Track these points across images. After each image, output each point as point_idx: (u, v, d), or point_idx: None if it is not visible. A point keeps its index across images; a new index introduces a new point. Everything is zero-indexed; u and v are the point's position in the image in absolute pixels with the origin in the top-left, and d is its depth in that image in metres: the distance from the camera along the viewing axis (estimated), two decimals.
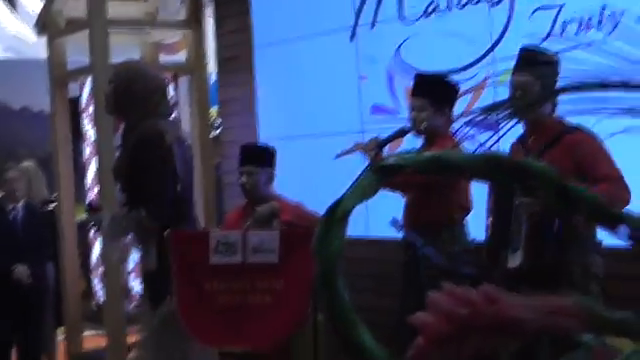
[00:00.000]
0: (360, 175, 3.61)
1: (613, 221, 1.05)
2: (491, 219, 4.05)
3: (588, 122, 3.67)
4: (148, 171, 4.14)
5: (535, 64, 3.84)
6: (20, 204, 6.53)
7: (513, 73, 3.98)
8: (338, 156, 4.40)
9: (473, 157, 1.06)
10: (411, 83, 4.58)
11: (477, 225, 4.36)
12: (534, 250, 3.79)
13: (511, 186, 3.39)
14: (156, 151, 4.17)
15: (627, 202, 3.62)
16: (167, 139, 4.22)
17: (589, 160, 3.76)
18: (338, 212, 1.00)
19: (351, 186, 1.04)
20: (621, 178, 3.73)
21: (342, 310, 1.00)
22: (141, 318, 4.73)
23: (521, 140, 4.04)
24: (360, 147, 4.35)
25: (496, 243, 4.00)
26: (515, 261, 3.83)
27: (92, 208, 4.55)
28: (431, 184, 4.22)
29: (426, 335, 0.99)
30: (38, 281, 6.41)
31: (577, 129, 3.79)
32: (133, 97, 4.25)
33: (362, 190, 1.03)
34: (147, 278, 4.40)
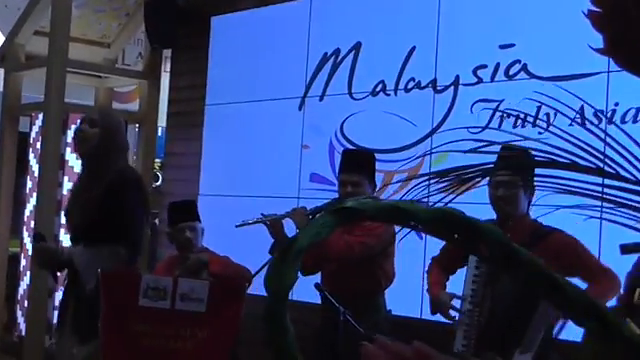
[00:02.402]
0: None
1: (550, 287, 1.06)
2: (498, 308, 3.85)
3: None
4: (133, 212, 4.37)
5: (519, 164, 3.80)
6: None
7: (495, 174, 3.76)
8: (239, 226, 4.50)
9: (430, 209, 1.07)
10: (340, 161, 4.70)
11: (393, 295, 4.52)
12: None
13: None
14: (139, 194, 4.46)
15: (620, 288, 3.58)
16: (144, 184, 4.58)
17: (582, 262, 3.82)
18: (293, 248, 1.00)
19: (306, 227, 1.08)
20: (610, 269, 3.75)
21: (286, 343, 0.99)
22: (60, 354, 4.73)
23: None
24: (268, 219, 4.44)
25: (502, 337, 3.77)
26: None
27: (37, 238, 4.60)
28: (347, 260, 4.35)
29: None
30: None
31: (556, 230, 3.86)
32: (118, 144, 4.47)
33: (317, 229, 1.02)
34: (78, 313, 4.43)
